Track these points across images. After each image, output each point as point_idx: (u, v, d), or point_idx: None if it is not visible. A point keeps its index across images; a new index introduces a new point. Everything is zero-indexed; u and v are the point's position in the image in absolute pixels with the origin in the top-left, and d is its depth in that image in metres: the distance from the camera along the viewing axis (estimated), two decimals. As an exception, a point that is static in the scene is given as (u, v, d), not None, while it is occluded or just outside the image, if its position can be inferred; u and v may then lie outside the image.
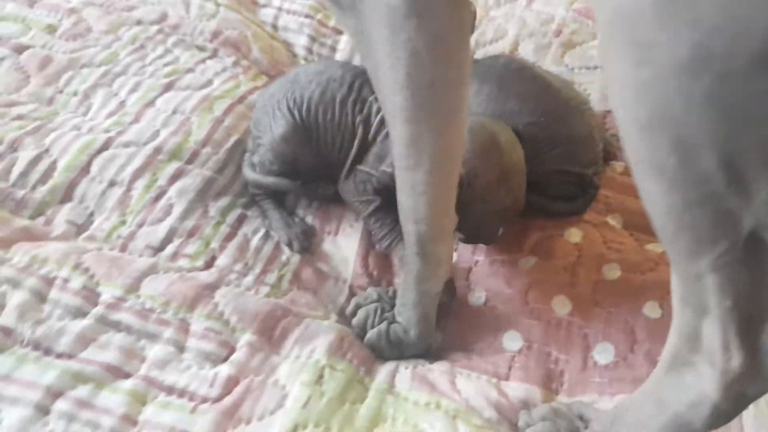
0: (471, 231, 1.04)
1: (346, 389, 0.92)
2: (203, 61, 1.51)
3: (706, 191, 0.44)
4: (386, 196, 1.12)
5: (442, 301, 1.01)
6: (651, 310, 1.03)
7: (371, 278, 1.16)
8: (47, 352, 0.90)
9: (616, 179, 1.30)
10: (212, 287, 1.12)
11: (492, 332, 1.05)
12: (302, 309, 1.05)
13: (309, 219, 1.23)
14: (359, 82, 1.18)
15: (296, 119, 1.23)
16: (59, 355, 0.89)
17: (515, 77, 1.21)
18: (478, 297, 1.10)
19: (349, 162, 1.25)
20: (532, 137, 1.19)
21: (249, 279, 1.17)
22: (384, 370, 0.98)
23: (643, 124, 0.43)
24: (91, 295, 1.05)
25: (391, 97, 0.75)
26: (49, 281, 0.98)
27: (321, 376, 0.92)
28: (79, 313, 0.96)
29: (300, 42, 1.71)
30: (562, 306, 1.08)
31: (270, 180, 1.27)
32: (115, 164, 1.27)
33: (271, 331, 1.01)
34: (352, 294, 1.12)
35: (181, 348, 0.95)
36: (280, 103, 1.26)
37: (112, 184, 1.25)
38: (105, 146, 1.29)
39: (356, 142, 1.19)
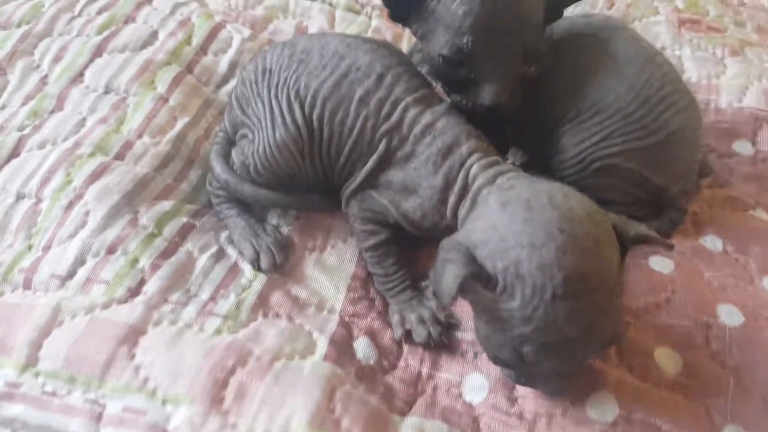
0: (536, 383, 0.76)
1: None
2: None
3: None
4: (394, 232, 0.91)
5: None
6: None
7: (372, 304, 0.91)
8: None
9: (705, 193, 1.08)
10: (134, 333, 0.79)
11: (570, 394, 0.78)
12: (272, 345, 0.80)
13: (285, 230, 0.97)
14: (393, 75, 0.89)
15: (297, 119, 0.89)
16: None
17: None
18: None
19: (357, 183, 0.92)
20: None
21: (190, 310, 0.83)
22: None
23: None
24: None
25: None
26: None
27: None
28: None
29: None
30: (668, 361, 0.81)
31: (250, 191, 0.95)
32: (24, 171, 0.97)
33: (221, 391, 0.75)
34: (345, 326, 0.86)
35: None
36: (279, 89, 0.92)
37: (19, 197, 0.96)
38: (15, 152, 1.00)
39: (375, 157, 0.89)
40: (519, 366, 0.72)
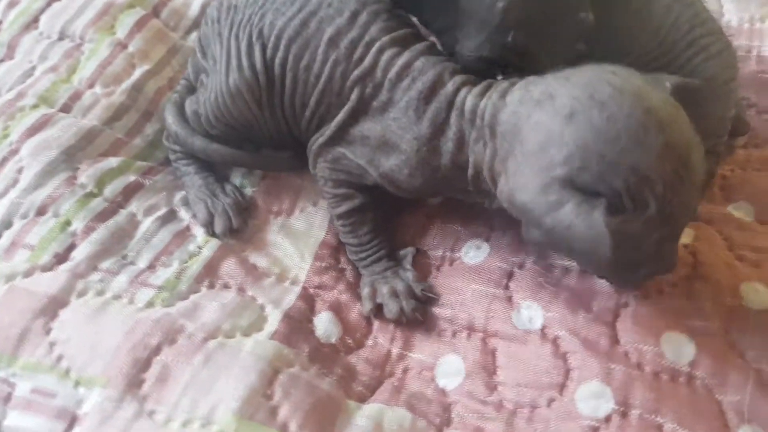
0: (623, 273, 0.66)
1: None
2: None
3: None
4: (370, 195, 0.81)
5: None
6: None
7: (341, 275, 0.82)
8: None
9: (739, 153, 0.95)
10: (54, 304, 0.71)
11: (556, 380, 0.70)
12: (210, 320, 0.71)
13: (249, 191, 0.87)
14: (369, 13, 0.78)
15: (256, 63, 0.78)
16: None
17: None
18: (528, 317, 0.75)
19: (326, 137, 0.80)
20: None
21: (121, 279, 0.74)
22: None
23: None
24: None
25: None
26: None
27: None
28: None
29: None
30: (678, 348, 0.70)
31: (201, 146, 0.85)
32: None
33: (140, 373, 0.66)
34: (306, 299, 0.78)
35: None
36: (242, 28, 0.80)
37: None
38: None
39: (346, 108, 0.77)
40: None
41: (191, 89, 0.89)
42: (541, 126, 0.63)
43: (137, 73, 0.93)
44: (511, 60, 0.73)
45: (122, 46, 0.95)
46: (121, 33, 0.96)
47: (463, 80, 0.73)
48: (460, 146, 0.72)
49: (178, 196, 0.85)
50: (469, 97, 0.71)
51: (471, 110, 0.71)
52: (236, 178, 0.88)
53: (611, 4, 0.79)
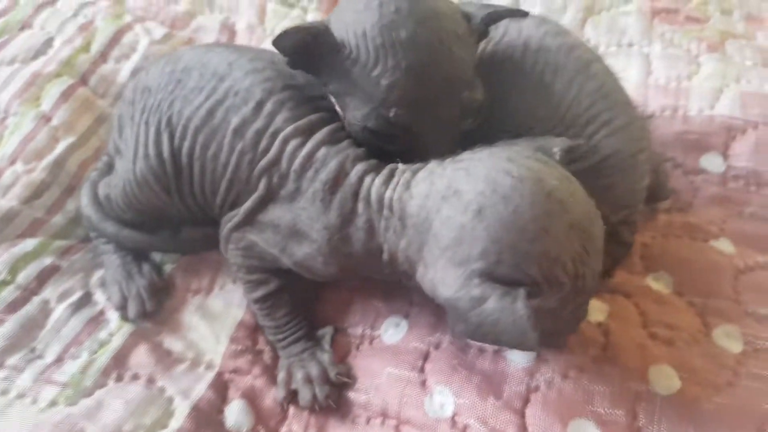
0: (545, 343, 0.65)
1: None
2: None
3: None
4: (286, 277, 0.80)
5: None
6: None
7: (257, 358, 0.81)
8: None
9: (661, 219, 0.95)
10: None
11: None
12: (111, 421, 0.70)
13: (168, 268, 0.87)
14: (275, 102, 0.76)
15: (164, 152, 0.78)
16: None
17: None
18: (440, 404, 0.75)
19: (234, 223, 0.79)
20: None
21: (26, 377, 0.74)
22: None
23: None
24: None
25: None
26: None
27: None
28: None
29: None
30: None
31: (112, 231, 0.85)
32: None
33: None
34: (219, 386, 0.76)
35: None
36: (152, 113, 0.80)
37: None
38: None
39: (255, 197, 0.76)
40: None
41: (111, 167, 0.88)
42: (452, 222, 0.64)
43: (60, 147, 0.93)
44: (395, 134, 0.73)
45: (46, 119, 0.95)
46: (46, 105, 0.96)
47: (365, 168, 0.73)
48: (371, 235, 0.72)
49: (96, 276, 0.84)
50: (373, 188, 0.71)
51: (377, 201, 0.71)
52: (156, 255, 0.87)
53: (508, 80, 0.80)
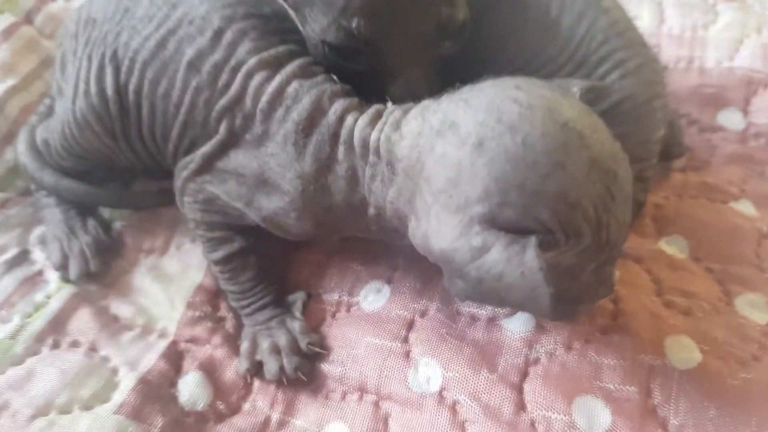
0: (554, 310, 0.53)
1: None
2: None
3: None
4: (252, 235, 0.71)
5: None
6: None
7: (218, 326, 0.72)
8: None
9: (676, 178, 0.86)
10: None
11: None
12: (43, 392, 0.62)
13: (117, 225, 0.78)
14: (236, 31, 0.67)
15: (107, 88, 0.68)
16: None
17: None
18: (425, 377, 0.66)
19: (191, 170, 0.69)
20: None
21: None
22: None
23: None
24: None
25: None
26: None
27: None
28: None
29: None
30: (591, 416, 0.61)
31: (50, 181, 0.76)
32: None
33: None
34: (172, 357, 0.68)
35: None
36: (96, 46, 0.70)
37: None
38: None
39: (213, 142, 0.67)
40: None
41: (53, 110, 0.79)
42: (447, 159, 0.54)
43: (0, 90, 0.83)
44: (358, 49, 0.63)
45: (-16, 59, 0.85)
46: (-15, 42, 0.86)
47: (346, 106, 0.63)
48: (354, 184, 0.62)
49: (36, 232, 0.76)
50: (356, 129, 0.61)
51: (361, 144, 0.61)
52: (105, 211, 0.79)
53: (508, 16, 0.72)
